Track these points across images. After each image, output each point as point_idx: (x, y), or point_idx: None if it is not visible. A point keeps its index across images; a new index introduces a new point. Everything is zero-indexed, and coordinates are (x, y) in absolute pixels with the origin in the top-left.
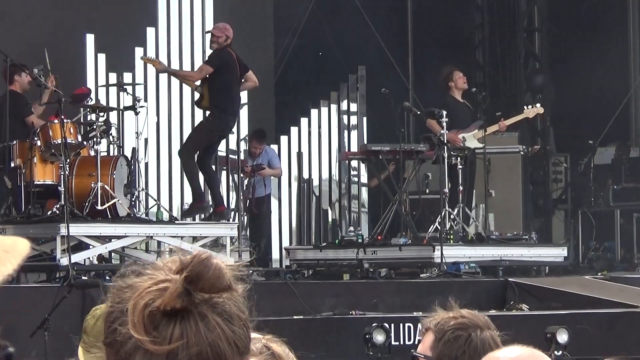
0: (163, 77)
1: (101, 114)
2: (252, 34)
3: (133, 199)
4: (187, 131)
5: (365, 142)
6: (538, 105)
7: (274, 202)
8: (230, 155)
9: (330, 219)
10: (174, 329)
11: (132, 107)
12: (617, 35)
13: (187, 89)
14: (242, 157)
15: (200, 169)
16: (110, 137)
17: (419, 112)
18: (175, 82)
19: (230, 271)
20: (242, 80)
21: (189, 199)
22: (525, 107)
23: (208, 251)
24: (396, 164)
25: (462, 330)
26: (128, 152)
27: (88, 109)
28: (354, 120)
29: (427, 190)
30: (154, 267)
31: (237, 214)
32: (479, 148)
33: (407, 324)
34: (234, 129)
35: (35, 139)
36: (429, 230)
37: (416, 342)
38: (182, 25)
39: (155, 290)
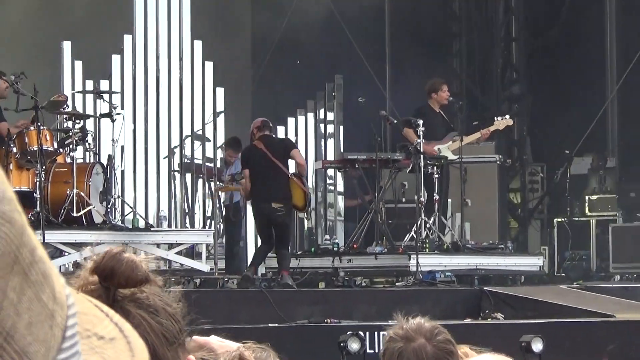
0: (140, 84)
1: (77, 121)
2: (230, 43)
3: (109, 206)
4: (163, 139)
5: (342, 150)
6: (507, 117)
7: (249, 210)
8: (207, 164)
9: (306, 227)
10: None
11: (109, 115)
12: (595, 45)
13: (163, 96)
14: (218, 165)
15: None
16: (87, 144)
17: (395, 121)
18: (151, 89)
19: (145, 264)
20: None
21: (164, 205)
22: (495, 118)
23: (120, 247)
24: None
25: (393, 341)
26: (104, 160)
27: (64, 116)
28: (330, 128)
29: (403, 199)
30: (84, 266)
31: (213, 221)
32: (453, 159)
33: (382, 333)
34: (211, 137)
35: (12, 145)
36: (405, 239)
37: None
38: (160, 32)
39: (77, 290)
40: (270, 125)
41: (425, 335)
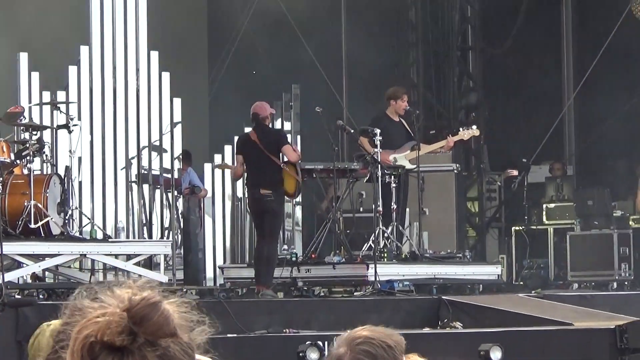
0: (97, 95)
1: (34, 132)
2: (187, 53)
3: (66, 218)
4: (121, 150)
5: (299, 160)
6: (474, 127)
7: (207, 220)
8: (165, 174)
9: None
10: None
11: (66, 126)
12: (551, 53)
13: (120, 107)
14: (176, 175)
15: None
16: (44, 155)
17: (352, 131)
18: (108, 100)
19: (179, 318)
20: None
21: (122, 217)
22: (460, 129)
23: (159, 295)
24: (331, 185)
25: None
26: (61, 171)
27: (21, 128)
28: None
29: (361, 209)
30: (110, 294)
31: (171, 232)
32: (411, 169)
33: None
34: (168, 148)
35: None
36: (363, 249)
37: None
38: (116, 43)
39: (101, 321)
40: (264, 113)
41: (349, 344)
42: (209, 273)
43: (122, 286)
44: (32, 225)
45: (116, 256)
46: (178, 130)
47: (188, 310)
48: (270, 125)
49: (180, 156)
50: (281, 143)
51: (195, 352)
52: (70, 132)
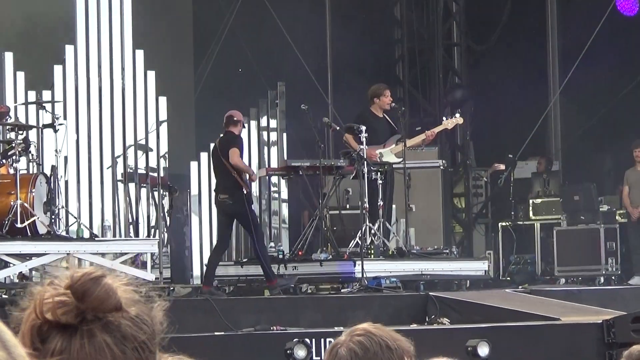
0: (82, 94)
1: (20, 132)
2: (172, 52)
3: (53, 217)
4: (107, 148)
5: (286, 157)
6: (457, 115)
7: (194, 219)
8: (151, 173)
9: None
10: (57, 343)
11: (52, 125)
12: (536, 49)
13: (105, 106)
14: (162, 174)
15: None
16: (30, 155)
17: (338, 128)
18: (94, 99)
19: (124, 292)
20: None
21: (108, 215)
22: (444, 118)
23: (103, 270)
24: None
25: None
26: (47, 170)
27: (7, 127)
28: (273, 136)
29: (348, 206)
30: (60, 278)
31: (157, 230)
32: (397, 163)
33: (328, 339)
34: (154, 146)
35: None
36: (350, 246)
37: None
38: (101, 42)
39: (50, 302)
40: (231, 121)
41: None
42: (196, 271)
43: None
44: (19, 225)
45: (103, 255)
46: (164, 128)
47: (136, 287)
48: (242, 131)
49: (167, 155)
50: (229, 145)
51: (154, 326)
52: (56, 131)
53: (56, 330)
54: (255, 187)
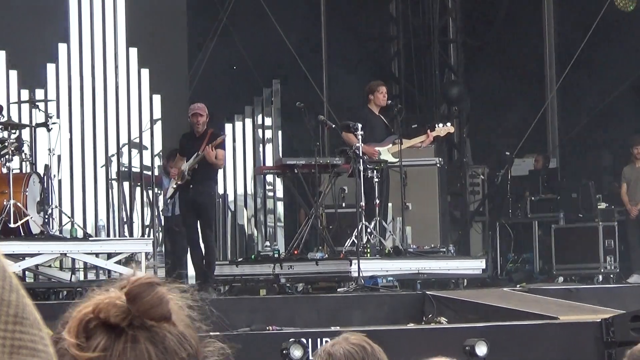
0: (75, 93)
1: (13, 131)
2: (166, 49)
3: (46, 217)
4: (100, 147)
5: (281, 156)
6: (449, 124)
7: None
8: (145, 172)
9: (246, 234)
10: (101, 340)
11: (45, 124)
12: (533, 45)
13: (99, 105)
14: (156, 173)
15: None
16: (23, 154)
17: (333, 126)
18: (87, 97)
19: (176, 305)
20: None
21: (102, 215)
22: (437, 125)
23: (159, 279)
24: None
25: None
26: (41, 169)
27: (0, 126)
28: (268, 134)
29: (344, 204)
30: (108, 288)
31: (152, 230)
32: (393, 162)
33: (324, 339)
34: (148, 145)
35: None
36: (346, 244)
37: None
38: (94, 40)
39: (101, 300)
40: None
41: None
42: (191, 271)
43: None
44: (12, 225)
45: (97, 255)
46: (158, 127)
47: (190, 308)
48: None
49: (161, 153)
50: None
51: (197, 350)
52: (49, 130)
53: (102, 328)
54: (250, 186)
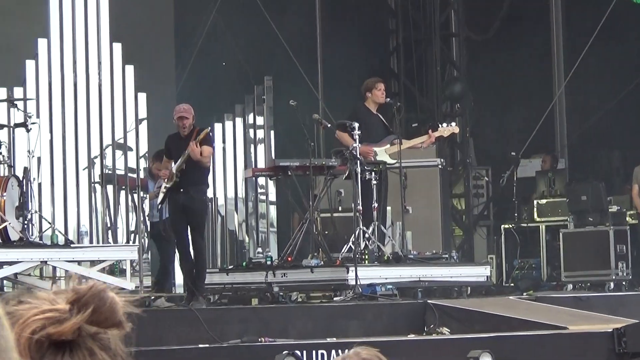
0: (56, 90)
1: None
2: (152, 44)
3: (26, 222)
4: (83, 149)
5: (273, 157)
6: (453, 124)
7: None
8: (130, 174)
9: (237, 240)
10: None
11: (24, 124)
12: (540, 39)
13: (81, 104)
14: (142, 175)
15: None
16: (0, 156)
17: (329, 125)
18: (69, 96)
19: (123, 307)
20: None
21: (85, 220)
22: (440, 125)
23: (103, 282)
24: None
25: None
26: (20, 172)
27: None
28: (260, 134)
29: (340, 208)
30: (36, 296)
31: (137, 236)
32: (391, 164)
33: (320, 351)
34: (133, 146)
35: None
36: (343, 251)
37: None
38: (76, 35)
39: (41, 318)
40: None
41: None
42: (179, 279)
43: (50, 289)
44: None
45: (79, 263)
46: (143, 127)
47: (126, 299)
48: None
49: (153, 156)
50: None
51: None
52: (28, 130)
53: (55, 347)
54: (241, 189)
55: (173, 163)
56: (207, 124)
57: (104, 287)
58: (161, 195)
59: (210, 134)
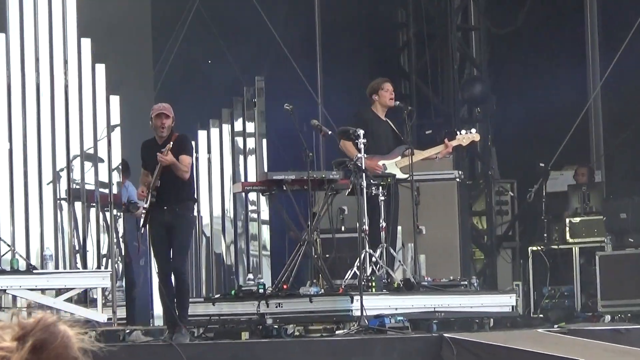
0: (16, 93)
1: None
2: (126, 40)
3: None
4: (47, 160)
5: (266, 169)
6: (473, 131)
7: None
8: (101, 189)
9: (224, 265)
10: None
11: None
12: (572, 32)
13: (45, 108)
14: (115, 190)
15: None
16: None
17: (330, 132)
18: (30, 99)
19: (79, 341)
20: None
21: (49, 244)
22: (457, 132)
23: (52, 314)
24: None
25: None
26: None
27: None
28: (251, 143)
29: (343, 228)
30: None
31: (109, 260)
32: (402, 179)
33: None
34: (105, 156)
35: None
36: (346, 277)
37: None
38: (38, 29)
39: None
40: None
41: None
42: (158, 310)
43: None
44: None
45: (43, 291)
46: (116, 134)
47: (81, 332)
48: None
49: (120, 167)
50: None
51: None
52: None
53: None
54: (229, 206)
55: (151, 176)
56: (189, 131)
57: (54, 319)
58: (142, 218)
59: (192, 142)
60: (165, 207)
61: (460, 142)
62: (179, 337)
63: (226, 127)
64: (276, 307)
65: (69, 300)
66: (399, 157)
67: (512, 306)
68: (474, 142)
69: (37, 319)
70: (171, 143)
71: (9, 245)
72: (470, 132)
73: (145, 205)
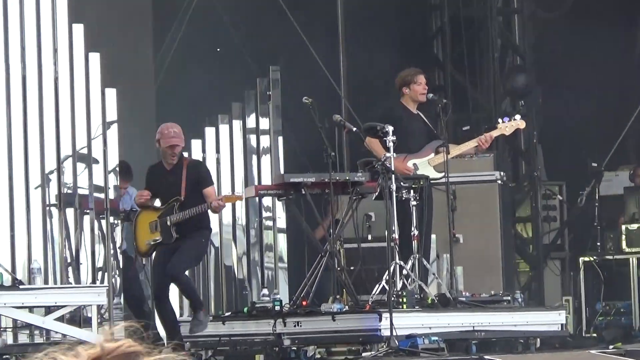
0: (0, 100)
1: None
2: (123, 26)
3: None
4: (35, 162)
5: (282, 171)
6: (518, 117)
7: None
8: (96, 194)
9: (235, 279)
10: None
11: None
12: (628, 16)
13: (32, 103)
14: (111, 195)
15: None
16: None
17: (354, 129)
18: (16, 93)
19: None
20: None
21: (38, 255)
22: (500, 120)
23: (138, 346)
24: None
25: None
26: None
27: None
28: (265, 141)
29: (369, 237)
30: (73, 353)
31: (106, 273)
32: (436, 179)
33: None
34: (100, 160)
35: None
36: (373, 292)
37: None
38: (25, 15)
39: None
40: None
41: None
42: (162, 330)
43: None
44: None
45: (31, 309)
46: (113, 132)
47: None
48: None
49: (117, 169)
50: None
51: None
52: None
53: None
54: (241, 213)
55: (160, 203)
56: (195, 128)
57: (137, 349)
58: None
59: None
60: (177, 236)
61: (503, 132)
62: (198, 326)
63: (237, 124)
64: (294, 326)
65: (60, 319)
66: (432, 154)
67: (562, 324)
68: (519, 130)
69: (119, 344)
70: (229, 194)
71: None
72: (515, 119)
73: (158, 239)
